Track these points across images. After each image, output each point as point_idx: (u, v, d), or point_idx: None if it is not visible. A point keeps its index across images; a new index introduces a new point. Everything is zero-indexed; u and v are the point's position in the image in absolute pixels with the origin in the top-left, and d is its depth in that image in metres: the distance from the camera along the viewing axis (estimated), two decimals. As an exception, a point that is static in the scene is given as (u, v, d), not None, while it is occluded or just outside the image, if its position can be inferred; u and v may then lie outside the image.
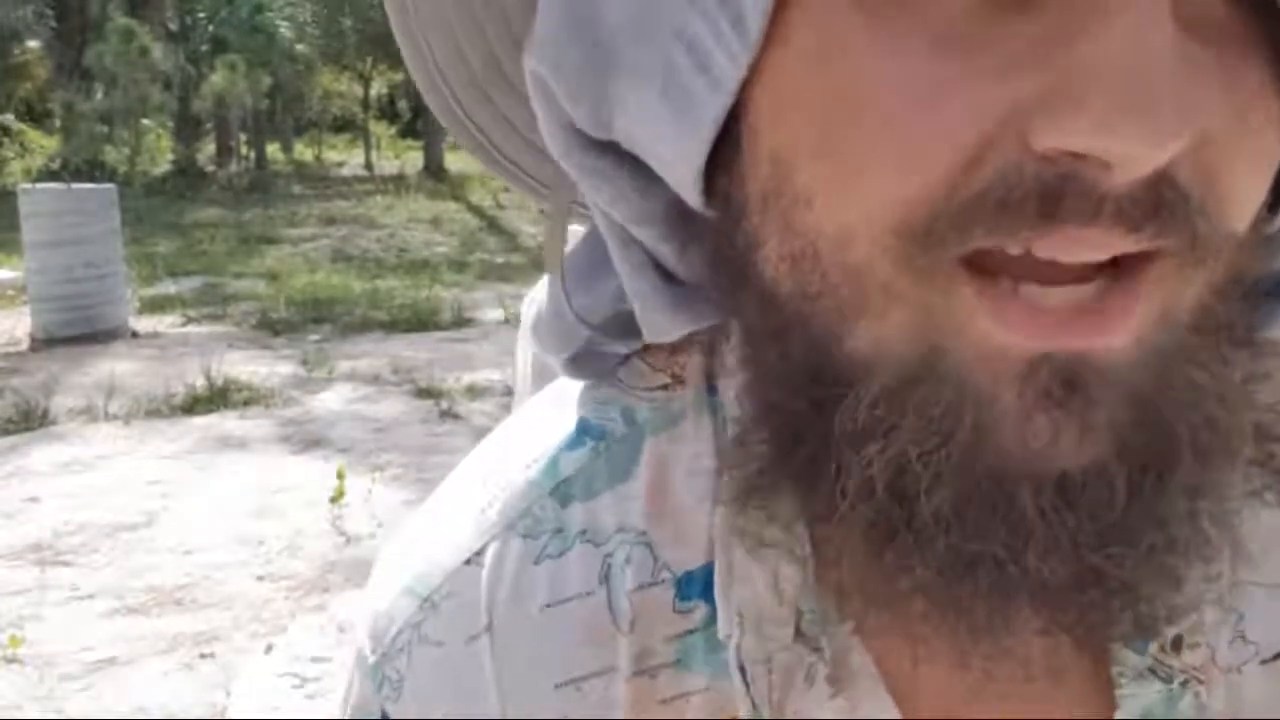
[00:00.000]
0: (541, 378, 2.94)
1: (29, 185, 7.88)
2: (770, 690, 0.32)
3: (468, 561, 0.36)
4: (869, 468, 0.26)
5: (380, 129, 33.90)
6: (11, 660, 2.78)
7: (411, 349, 6.64)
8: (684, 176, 0.30)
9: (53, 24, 21.96)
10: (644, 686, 0.33)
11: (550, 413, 0.39)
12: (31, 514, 3.84)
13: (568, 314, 0.36)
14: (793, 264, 0.28)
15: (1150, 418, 0.25)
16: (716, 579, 0.32)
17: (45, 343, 6.58)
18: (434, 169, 24.67)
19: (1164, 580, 0.27)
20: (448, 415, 5.10)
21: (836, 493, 0.27)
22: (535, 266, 9.60)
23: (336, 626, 1.05)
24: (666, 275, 0.34)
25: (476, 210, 16.91)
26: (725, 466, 0.33)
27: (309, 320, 7.60)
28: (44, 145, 21.74)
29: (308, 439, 4.78)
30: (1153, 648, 0.31)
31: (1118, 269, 0.25)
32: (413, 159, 27.76)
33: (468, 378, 5.67)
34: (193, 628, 2.97)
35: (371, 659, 0.37)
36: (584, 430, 0.37)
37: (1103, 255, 0.24)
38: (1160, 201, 0.24)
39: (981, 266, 0.25)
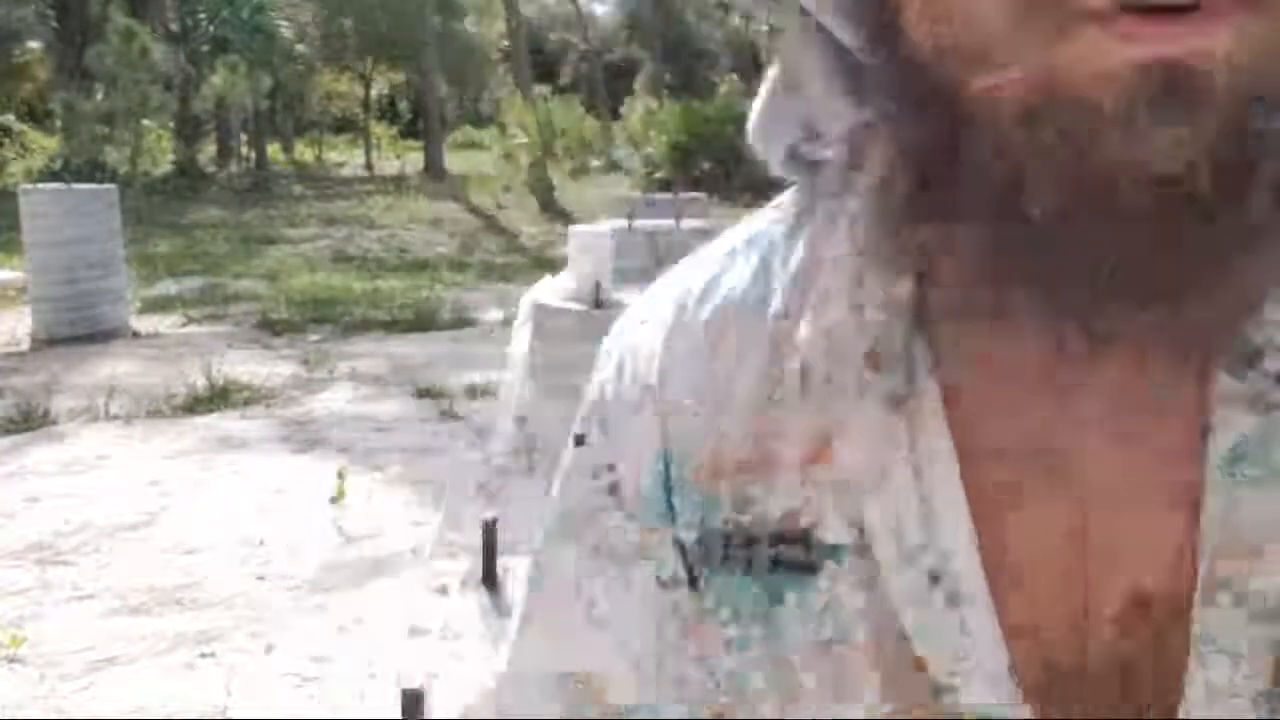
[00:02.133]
0: (544, 369, 2.93)
1: (30, 186, 7.89)
2: (815, 397, 0.38)
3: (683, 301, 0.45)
4: (994, 186, 0.31)
5: (380, 129, 33.89)
6: (13, 660, 2.79)
7: (412, 349, 6.65)
8: None
9: (53, 24, 21.97)
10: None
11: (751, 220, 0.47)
12: (32, 514, 3.85)
13: (782, 111, 0.43)
14: (931, 23, 0.32)
15: (1240, 127, 0.28)
16: (806, 313, 0.39)
17: (46, 343, 6.58)
18: (434, 169, 24.66)
19: (1248, 291, 0.30)
20: (448, 415, 5.10)
21: (965, 210, 0.32)
22: (535, 266, 9.60)
23: (336, 626, 1.05)
24: (845, 63, 0.39)
25: (476, 210, 16.90)
26: (857, 231, 0.38)
27: (309, 320, 7.61)
28: (45, 146, 21.74)
29: (308, 439, 4.78)
30: (1252, 375, 0.33)
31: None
32: (413, 159, 27.75)
33: (468, 378, 5.67)
34: (193, 627, 2.97)
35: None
36: (756, 232, 0.45)
37: None
38: None
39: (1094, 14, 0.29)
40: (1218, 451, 0.33)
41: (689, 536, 0.41)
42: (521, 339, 3.15)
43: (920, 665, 0.36)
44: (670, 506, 0.42)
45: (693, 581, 0.41)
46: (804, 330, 0.39)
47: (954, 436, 0.36)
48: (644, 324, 0.46)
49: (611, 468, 0.45)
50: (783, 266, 0.42)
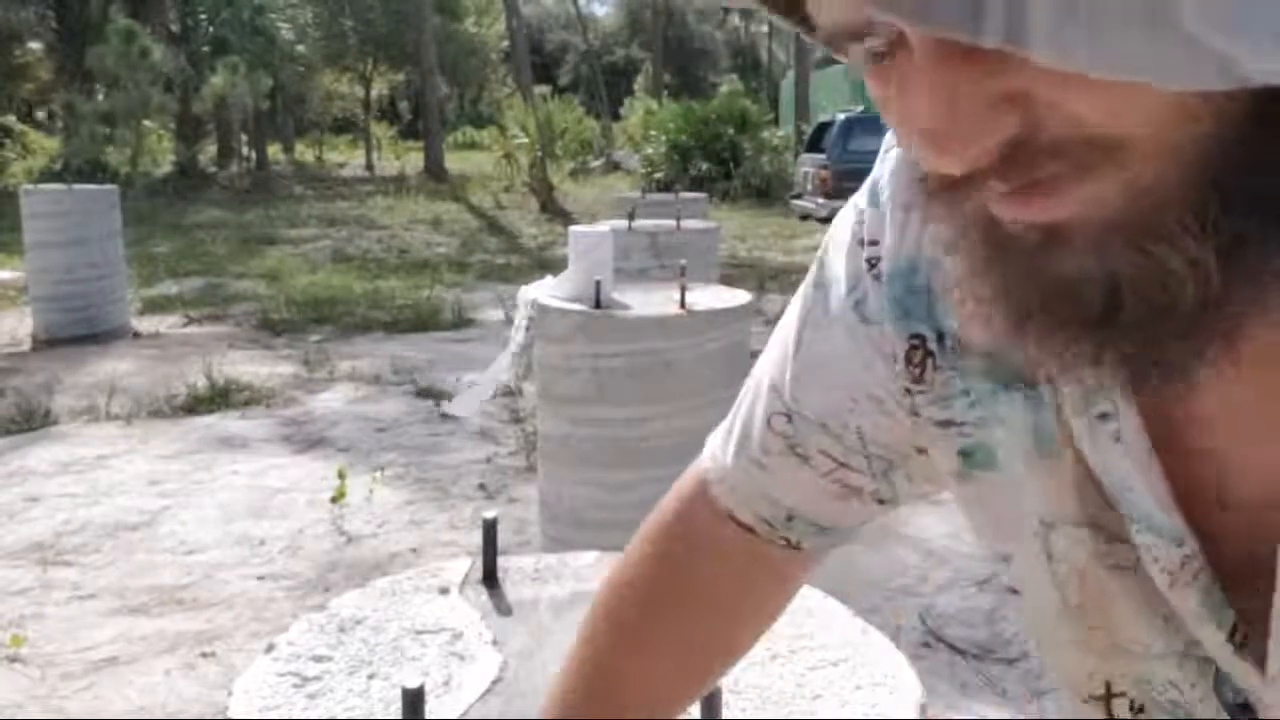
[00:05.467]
0: (544, 369, 2.91)
1: (31, 186, 7.89)
2: None
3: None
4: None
5: (381, 130, 33.90)
6: (13, 659, 2.79)
7: (412, 349, 6.65)
8: None
9: (54, 26, 21.98)
10: None
11: None
12: (33, 514, 3.85)
13: None
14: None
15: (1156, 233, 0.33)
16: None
17: (47, 343, 6.59)
18: (434, 170, 24.66)
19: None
20: (448, 415, 5.10)
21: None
22: (535, 266, 9.60)
23: (337, 625, 1.05)
24: None
25: (477, 211, 16.90)
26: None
27: (310, 320, 7.61)
28: (45, 146, 21.75)
29: (309, 439, 4.78)
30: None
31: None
32: (413, 160, 27.76)
33: (468, 378, 5.67)
34: (194, 627, 2.98)
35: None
36: None
37: (1019, 185, 0.34)
38: (1015, 160, 0.33)
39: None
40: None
41: (923, 329, 0.50)
42: (520, 328, 3.16)
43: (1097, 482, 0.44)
44: (910, 301, 0.51)
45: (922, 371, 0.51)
46: None
47: None
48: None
49: (875, 243, 0.52)
50: None
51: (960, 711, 2.51)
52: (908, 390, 0.51)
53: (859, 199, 0.54)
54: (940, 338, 0.50)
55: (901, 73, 0.34)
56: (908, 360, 0.51)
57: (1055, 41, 0.29)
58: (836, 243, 0.56)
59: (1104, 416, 0.43)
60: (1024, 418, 0.46)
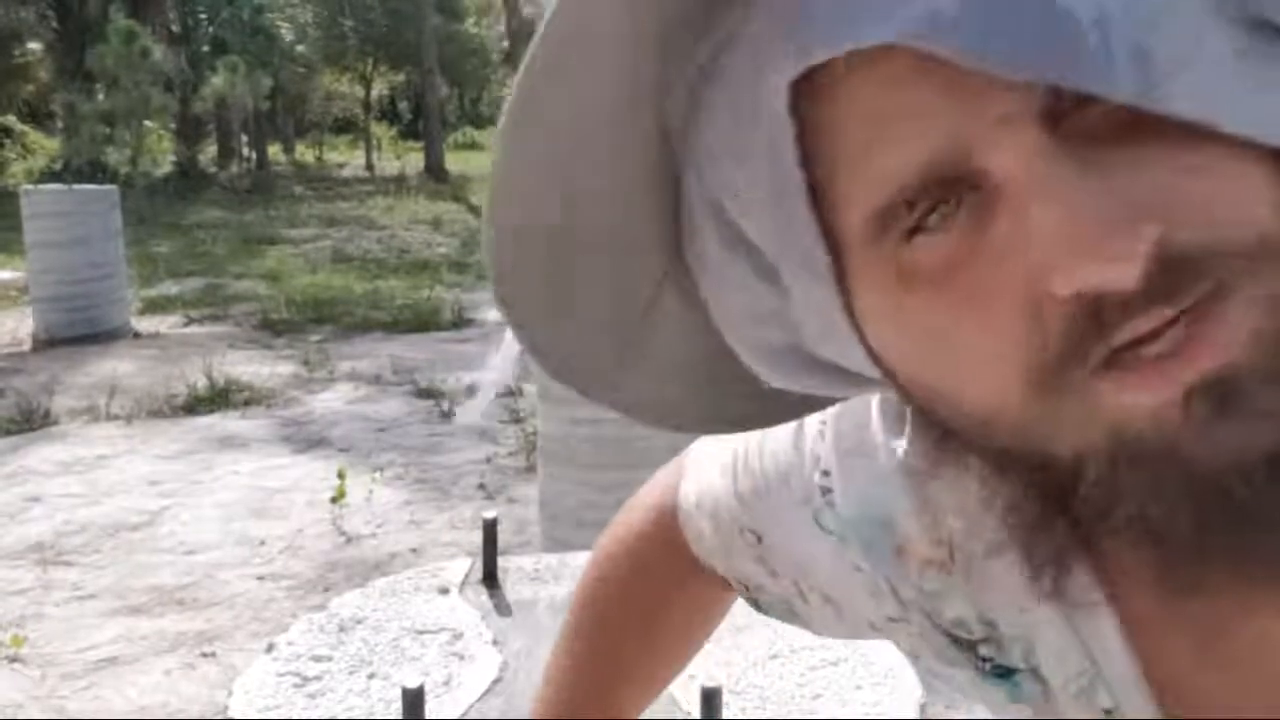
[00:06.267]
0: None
1: (31, 186, 7.89)
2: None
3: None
4: (1117, 525, 0.31)
5: (381, 130, 33.90)
6: (14, 660, 2.79)
7: (412, 349, 6.65)
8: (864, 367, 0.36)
9: (54, 26, 21.98)
10: None
11: None
12: (33, 514, 3.85)
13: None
14: (965, 417, 0.32)
15: None
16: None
17: (47, 343, 6.59)
18: (435, 170, 24.66)
19: None
20: (448, 415, 5.10)
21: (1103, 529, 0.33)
22: (536, 267, 9.57)
23: (337, 625, 1.05)
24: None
25: (477, 211, 16.91)
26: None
27: (310, 320, 7.61)
28: (46, 146, 21.75)
29: (308, 439, 4.78)
30: None
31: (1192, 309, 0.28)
32: (413, 160, 27.75)
33: (468, 378, 5.67)
34: (194, 627, 2.98)
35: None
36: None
37: (1164, 319, 0.27)
38: (1168, 276, 0.27)
39: (1093, 371, 0.29)
40: None
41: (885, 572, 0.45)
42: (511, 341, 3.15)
43: None
44: (877, 556, 0.45)
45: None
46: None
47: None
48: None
49: (827, 474, 0.47)
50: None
51: (960, 711, 2.51)
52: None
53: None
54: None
55: (978, 219, 0.29)
56: (894, 593, 0.45)
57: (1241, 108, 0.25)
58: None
59: (1109, 712, 0.37)
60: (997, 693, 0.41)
